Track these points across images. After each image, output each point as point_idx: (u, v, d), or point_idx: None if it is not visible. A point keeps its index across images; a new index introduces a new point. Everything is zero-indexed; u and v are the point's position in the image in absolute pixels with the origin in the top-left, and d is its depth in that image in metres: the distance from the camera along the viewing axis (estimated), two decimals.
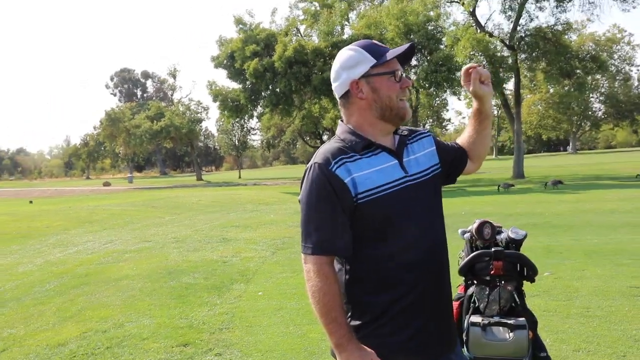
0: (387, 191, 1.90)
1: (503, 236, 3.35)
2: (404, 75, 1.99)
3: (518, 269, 3.24)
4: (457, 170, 2.25)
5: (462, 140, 2.31)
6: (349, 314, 1.95)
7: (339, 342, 1.85)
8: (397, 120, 2.00)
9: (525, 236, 3.35)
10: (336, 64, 2.03)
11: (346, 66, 1.98)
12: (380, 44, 2.02)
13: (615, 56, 65.74)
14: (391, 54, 1.96)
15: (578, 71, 32.90)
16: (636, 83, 75.43)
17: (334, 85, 2.06)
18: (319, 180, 1.90)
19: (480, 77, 2.14)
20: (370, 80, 1.95)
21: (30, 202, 30.55)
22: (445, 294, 2.07)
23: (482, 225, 3.35)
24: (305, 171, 1.97)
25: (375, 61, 1.94)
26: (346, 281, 1.96)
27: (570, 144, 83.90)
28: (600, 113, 74.70)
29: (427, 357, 1.96)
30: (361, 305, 1.94)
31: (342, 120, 2.08)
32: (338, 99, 2.08)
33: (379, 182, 1.90)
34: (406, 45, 1.99)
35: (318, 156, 1.95)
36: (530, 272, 3.22)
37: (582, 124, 77.72)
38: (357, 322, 1.94)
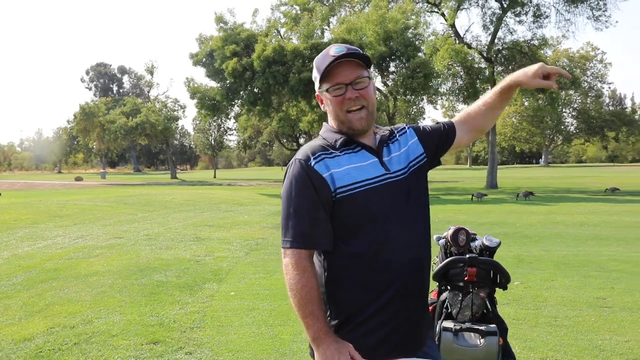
0: (366, 187, 1.89)
1: (477, 243, 3.39)
2: (350, 87, 1.93)
3: (491, 276, 3.29)
4: (443, 149, 2.20)
5: (470, 109, 2.26)
6: (327, 313, 1.94)
7: (316, 335, 1.84)
8: (350, 131, 1.97)
9: (499, 244, 3.39)
10: (314, 67, 2.05)
11: (313, 78, 2.04)
12: (334, 50, 1.96)
13: (589, 73, 67.17)
14: (322, 70, 1.94)
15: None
16: (607, 100, 77.20)
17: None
18: (299, 175, 1.91)
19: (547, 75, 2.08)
20: (323, 95, 2.00)
21: None
22: (424, 291, 2.05)
23: (457, 231, 3.38)
24: (287, 167, 1.99)
25: (319, 77, 1.97)
26: (325, 279, 1.95)
27: (543, 156, 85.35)
28: (572, 128, 76.16)
29: (402, 355, 1.92)
30: (338, 303, 1.92)
31: (326, 121, 2.11)
32: None
33: (359, 178, 1.90)
34: (330, 61, 1.92)
35: (300, 153, 1.98)
36: (503, 279, 3.26)
37: (555, 137, 79.11)
38: (334, 322, 1.93)
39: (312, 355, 1.94)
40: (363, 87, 1.95)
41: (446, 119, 2.26)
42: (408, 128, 2.16)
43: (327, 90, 1.96)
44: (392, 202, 1.93)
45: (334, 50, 1.96)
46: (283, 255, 1.92)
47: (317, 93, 2.05)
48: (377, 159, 1.97)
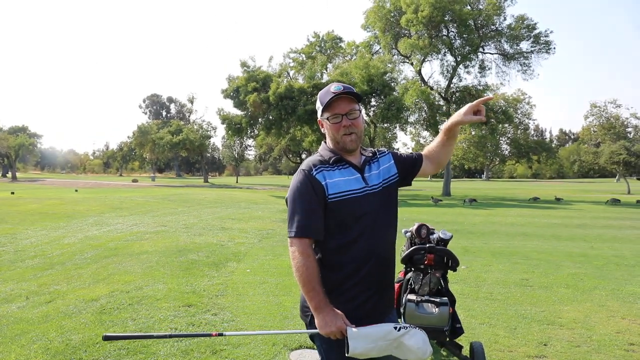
0: (350, 196, 1.91)
1: (435, 236, 3.41)
2: (345, 117, 1.95)
3: (445, 260, 3.30)
4: (412, 174, 2.19)
5: (430, 147, 2.25)
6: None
7: (317, 306, 1.84)
8: (344, 151, 2.00)
9: (451, 237, 3.40)
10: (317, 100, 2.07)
11: (318, 106, 2.02)
12: (334, 88, 1.98)
13: (519, 111, 67.33)
14: (324, 103, 1.97)
15: (492, 120, 33.69)
16: (532, 132, 77.46)
17: None
18: (303, 181, 1.93)
19: (477, 110, 2.09)
20: (324, 121, 2.01)
21: (76, 190, 29.81)
22: (389, 275, 2.05)
23: (420, 227, 3.40)
24: (295, 175, 2.01)
25: (322, 108, 1.99)
26: (317, 262, 1.94)
27: (484, 173, 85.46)
28: (506, 152, 76.29)
29: (369, 322, 1.89)
30: (326, 279, 1.91)
31: (324, 141, 2.11)
32: None
33: (345, 189, 1.92)
34: (331, 97, 1.95)
35: (304, 165, 2.00)
36: (454, 263, 3.27)
37: (493, 159, 79.27)
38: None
39: (304, 318, 1.99)
40: (355, 117, 1.97)
41: (413, 152, 2.26)
42: (388, 153, 2.17)
43: (327, 119, 1.99)
44: (370, 208, 1.94)
45: (334, 87, 1.99)
46: (290, 244, 1.92)
47: (319, 119, 2.05)
48: (359, 175, 1.99)
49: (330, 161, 1.97)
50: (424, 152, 2.25)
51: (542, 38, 30.59)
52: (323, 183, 1.91)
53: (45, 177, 70.09)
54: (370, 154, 2.10)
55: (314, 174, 1.93)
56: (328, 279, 1.91)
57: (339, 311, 1.86)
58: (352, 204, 1.91)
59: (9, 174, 62.97)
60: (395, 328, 1.82)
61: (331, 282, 1.92)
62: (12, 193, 25.55)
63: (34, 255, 7.92)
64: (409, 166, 2.17)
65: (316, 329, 1.86)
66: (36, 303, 5.10)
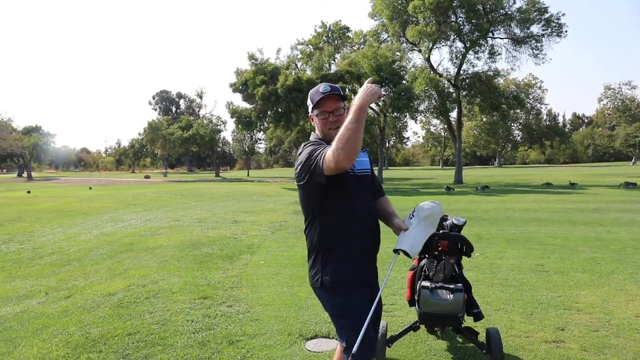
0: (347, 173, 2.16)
1: (448, 222, 3.37)
2: (331, 114, 2.23)
3: (459, 247, 3.27)
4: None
5: (382, 207, 2.45)
6: (320, 246, 2.23)
7: (356, 103, 1.98)
8: (330, 143, 2.14)
9: (465, 223, 3.37)
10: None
11: (307, 105, 2.33)
12: (323, 88, 2.23)
13: (530, 96, 66.43)
14: (314, 102, 2.23)
15: (503, 106, 33.26)
16: (545, 117, 76.46)
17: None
18: (315, 142, 2.24)
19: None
20: (314, 117, 2.30)
21: (90, 188, 30.17)
22: (377, 242, 2.34)
23: None
24: (302, 147, 2.25)
25: (312, 105, 2.26)
26: (319, 232, 2.24)
27: (496, 159, 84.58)
28: (518, 138, 75.49)
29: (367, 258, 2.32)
30: (326, 243, 2.22)
31: (313, 132, 2.40)
32: None
33: None
34: (320, 96, 2.22)
35: (308, 141, 2.30)
36: (468, 249, 3.25)
37: (505, 145, 78.49)
38: (325, 253, 2.23)
39: (315, 284, 2.26)
40: (340, 114, 2.23)
41: (378, 182, 2.52)
42: (365, 149, 2.37)
43: (317, 115, 2.27)
44: (355, 187, 2.23)
45: (322, 88, 2.25)
46: (327, 159, 2.00)
47: (310, 115, 2.33)
48: None
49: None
50: (380, 200, 2.47)
51: (553, 21, 29.98)
52: None
53: (60, 175, 71.06)
54: None
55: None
56: (329, 243, 2.21)
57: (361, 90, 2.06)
58: (352, 178, 2.20)
59: (25, 174, 63.97)
60: (410, 217, 2.30)
61: (332, 245, 2.21)
62: (28, 192, 25.95)
63: (52, 252, 8.05)
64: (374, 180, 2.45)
65: (333, 293, 2.20)
66: (55, 298, 5.19)
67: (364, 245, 2.27)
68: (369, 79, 2.13)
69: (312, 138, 2.33)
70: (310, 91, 2.30)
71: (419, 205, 2.32)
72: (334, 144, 1.97)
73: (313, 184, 2.12)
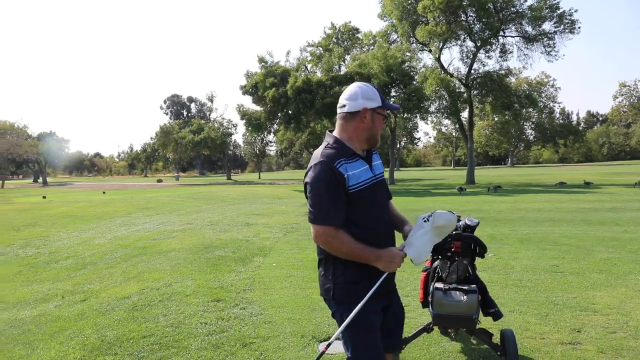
0: (365, 185, 2.10)
1: (461, 223, 3.35)
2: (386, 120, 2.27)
3: (472, 247, 3.25)
4: None
5: (392, 213, 2.41)
6: (333, 255, 2.12)
7: (374, 256, 2.05)
8: (374, 145, 2.22)
9: (478, 223, 3.35)
10: (356, 91, 2.12)
11: (365, 96, 2.11)
12: (379, 96, 2.17)
13: (543, 95, 65.83)
14: (390, 106, 2.20)
15: (515, 105, 32.90)
16: (558, 115, 75.55)
17: (347, 103, 2.12)
18: (327, 172, 2.03)
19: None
20: (374, 114, 2.14)
21: (103, 192, 30.54)
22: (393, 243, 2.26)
23: None
24: (315, 165, 2.07)
25: (381, 104, 2.14)
26: None
27: (509, 159, 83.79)
28: (531, 137, 74.69)
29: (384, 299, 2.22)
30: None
31: (330, 131, 2.20)
32: (342, 113, 2.15)
33: (362, 179, 2.10)
34: (397, 105, 2.29)
35: (323, 156, 2.07)
36: (481, 250, 3.23)
37: (518, 144, 77.69)
38: (343, 261, 2.12)
39: (328, 297, 2.20)
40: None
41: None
42: (376, 152, 2.32)
43: (381, 115, 2.17)
44: (375, 194, 2.18)
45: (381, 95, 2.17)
46: (321, 232, 2.04)
47: (368, 108, 2.11)
48: (368, 166, 2.17)
49: (348, 154, 2.09)
50: (390, 201, 2.44)
51: (566, 17, 29.63)
52: (345, 175, 2.04)
53: (74, 180, 72.02)
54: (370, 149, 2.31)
55: (337, 166, 2.04)
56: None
57: (387, 249, 2.10)
58: (366, 191, 2.11)
59: (40, 179, 64.95)
60: (425, 220, 2.18)
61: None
62: (44, 197, 26.36)
63: (67, 256, 8.16)
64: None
65: (342, 303, 2.12)
66: (71, 302, 5.26)
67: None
68: (404, 252, 2.13)
69: (329, 140, 2.14)
70: (372, 87, 2.14)
71: (438, 212, 2.22)
72: (329, 237, 2.03)
73: None
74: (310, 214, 2.07)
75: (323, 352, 2.09)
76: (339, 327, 2.14)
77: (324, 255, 2.19)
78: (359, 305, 2.02)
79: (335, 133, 2.16)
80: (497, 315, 3.26)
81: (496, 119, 50.98)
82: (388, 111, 2.24)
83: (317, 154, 2.10)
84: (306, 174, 2.12)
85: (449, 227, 2.23)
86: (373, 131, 2.14)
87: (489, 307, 3.25)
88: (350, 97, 2.12)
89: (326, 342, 2.16)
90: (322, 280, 2.22)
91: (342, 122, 2.15)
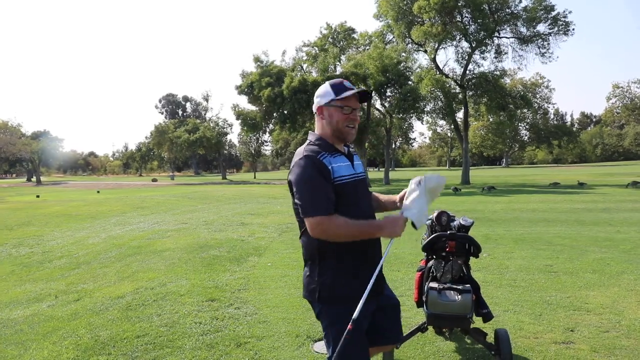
0: (346, 180, 2.10)
1: (456, 223, 3.37)
2: (355, 111, 2.15)
3: (467, 247, 3.26)
4: None
5: (375, 198, 2.43)
6: (318, 255, 2.11)
7: (376, 227, 2.04)
8: (341, 140, 2.17)
9: (473, 223, 3.36)
10: (316, 92, 2.20)
11: (318, 95, 2.16)
12: (349, 85, 2.14)
13: (538, 96, 66.13)
14: (345, 94, 2.10)
15: (510, 106, 33.07)
16: (552, 116, 75.98)
17: (315, 101, 2.20)
18: (314, 165, 2.03)
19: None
20: (329, 109, 2.13)
21: (98, 192, 30.38)
22: (378, 248, 2.23)
23: (440, 214, 3.37)
24: (298, 161, 2.07)
25: (334, 97, 2.11)
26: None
27: (504, 159, 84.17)
28: (526, 138, 75.07)
29: (372, 269, 2.09)
30: (332, 252, 2.09)
31: (312, 131, 2.24)
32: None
33: (343, 173, 2.11)
34: (355, 90, 2.13)
35: (306, 151, 2.09)
36: (475, 250, 3.24)
37: (513, 145, 78.03)
38: (328, 262, 2.10)
39: (313, 299, 2.15)
40: (358, 115, 2.19)
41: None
42: (356, 153, 2.33)
43: (336, 106, 2.11)
44: (358, 191, 2.16)
45: (349, 84, 2.15)
46: (317, 222, 1.98)
47: (321, 105, 2.14)
48: (349, 163, 2.18)
49: (329, 150, 2.12)
50: (374, 194, 2.46)
51: (560, 19, 29.80)
52: (329, 167, 2.06)
53: (68, 179, 71.64)
54: (352, 147, 2.33)
55: (321, 158, 2.06)
56: (330, 247, 2.06)
57: (386, 217, 2.08)
58: (348, 186, 2.10)
59: (34, 178, 64.56)
60: (417, 184, 2.14)
61: (331, 249, 2.07)
62: (37, 196, 26.19)
63: (61, 255, 8.11)
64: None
65: (329, 304, 2.10)
66: (65, 301, 5.23)
67: (366, 252, 2.13)
68: (403, 215, 2.09)
69: (311, 138, 2.18)
70: (329, 82, 2.16)
71: (427, 175, 2.18)
72: (327, 226, 1.97)
73: None
74: (300, 209, 2.04)
75: None
76: (325, 328, 2.15)
77: (309, 256, 2.17)
78: (359, 307, 1.93)
79: (315, 132, 2.22)
80: (488, 317, 3.27)
81: (491, 119, 51.23)
82: (360, 101, 2.18)
83: (300, 150, 2.12)
84: (290, 171, 2.12)
85: (440, 187, 2.21)
86: (335, 125, 2.12)
87: (482, 308, 3.26)
88: (314, 100, 2.21)
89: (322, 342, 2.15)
90: (306, 281, 2.18)
91: (316, 122, 2.24)
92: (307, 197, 2.01)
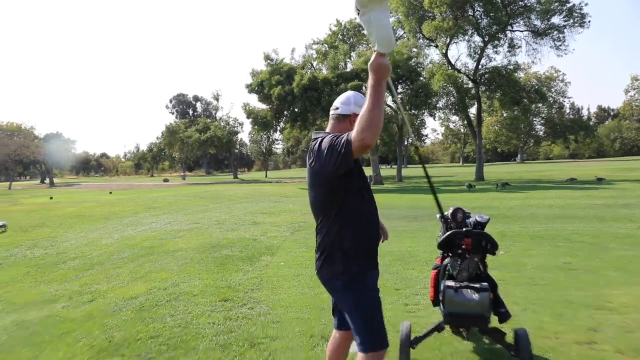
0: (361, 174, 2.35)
1: (471, 219, 3.31)
2: None
3: (483, 244, 3.20)
4: None
5: None
6: (338, 243, 2.29)
7: (376, 82, 2.03)
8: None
9: (489, 220, 3.30)
10: (349, 97, 2.43)
11: (357, 103, 2.39)
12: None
13: (553, 90, 65.20)
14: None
15: (524, 100, 32.61)
16: (568, 110, 74.85)
17: (340, 106, 2.41)
18: (327, 132, 2.34)
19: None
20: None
21: (110, 192, 30.72)
22: (379, 237, 2.47)
23: (456, 210, 3.32)
24: (324, 135, 2.26)
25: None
26: (338, 224, 2.30)
27: (518, 155, 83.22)
28: (541, 132, 74.08)
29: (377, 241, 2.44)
30: (342, 239, 2.30)
31: (322, 130, 2.46)
32: (335, 114, 2.42)
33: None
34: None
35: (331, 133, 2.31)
36: (492, 247, 3.17)
37: (527, 140, 77.12)
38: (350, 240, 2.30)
39: (336, 282, 2.34)
40: None
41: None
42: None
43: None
44: (366, 179, 2.41)
45: None
46: (353, 143, 2.04)
47: (355, 113, 2.31)
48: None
49: None
50: None
51: (575, 11, 29.29)
52: None
53: (81, 181, 72.65)
54: None
55: None
56: (348, 235, 2.28)
57: (372, 63, 2.06)
58: (358, 173, 2.30)
59: (47, 180, 65.51)
60: (357, 12, 2.01)
61: (350, 236, 2.29)
62: (51, 198, 26.57)
63: (74, 256, 8.20)
64: None
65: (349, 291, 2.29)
66: (79, 302, 5.28)
67: (375, 238, 2.39)
68: (375, 52, 2.05)
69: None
70: (359, 95, 2.42)
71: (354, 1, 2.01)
72: (357, 126, 2.00)
73: (339, 174, 2.17)
74: (341, 148, 2.09)
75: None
76: (350, 310, 2.31)
77: (328, 243, 2.32)
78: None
79: (327, 130, 2.39)
80: (505, 316, 3.21)
81: (505, 114, 50.67)
82: None
83: (319, 134, 2.32)
84: (313, 152, 2.27)
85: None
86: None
87: (499, 306, 3.20)
88: (344, 101, 2.41)
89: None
90: (322, 262, 2.35)
91: (333, 123, 2.42)
92: (337, 139, 2.13)
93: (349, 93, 2.47)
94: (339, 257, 2.29)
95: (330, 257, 2.32)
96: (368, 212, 2.36)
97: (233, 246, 8.35)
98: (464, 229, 3.17)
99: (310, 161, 2.34)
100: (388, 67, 2.04)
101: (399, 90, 32.31)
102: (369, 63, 2.05)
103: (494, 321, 3.25)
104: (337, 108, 2.42)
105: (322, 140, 2.25)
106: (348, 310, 2.33)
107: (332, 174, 2.19)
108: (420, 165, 3.38)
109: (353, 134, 2.04)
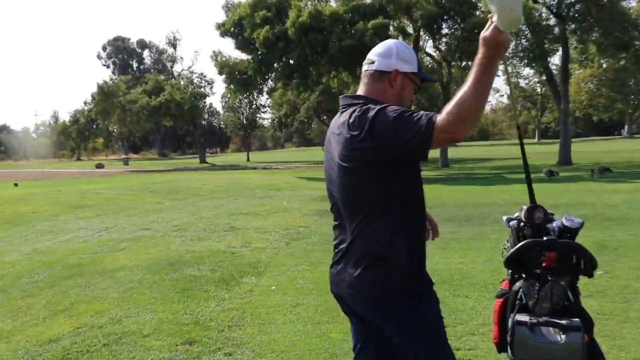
0: None
1: (556, 224, 3.29)
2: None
3: (574, 261, 3.18)
4: None
5: None
6: (386, 248, 2.45)
7: (494, 52, 2.14)
8: None
9: (582, 225, 3.28)
10: (390, 47, 2.58)
11: (400, 57, 2.54)
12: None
13: None
14: (422, 74, 2.65)
15: (637, 43, 32.33)
16: None
17: (377, 60, 2.56)
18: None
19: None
20: (405, 79, 2.57)
21: (15, 184, 30.82)
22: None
23: (533, 208, 3.30)
24: (376, 106, 2.33)
25: (416, 70, 2.58)
26: (386, 223, 2.44)
27: (626, 127, 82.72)
28: None
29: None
30: (392, 242, 2.45)
31: (350, 94, 2.65)
32: (370, 71, 2.58)
33: None
34: (433, 77, 2.88)
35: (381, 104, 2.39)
36: (588, 265, 3.15)
37: None
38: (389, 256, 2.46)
39: (403, 298, 2.48)
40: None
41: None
42: None
43: (413, 82, 2.60)
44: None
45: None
46: (437, 129, 2.14)
47: (400, 70, 2.52)
48: None
49: None
50: None
51: None
52: None
53: None
54: None
55: None
56: (400, 237, 2.46)
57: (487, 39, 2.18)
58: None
59: None
60: None
61: (401, 239, 2.47)
62: None
63: None
64: None
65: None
66: None
67: (424, 238, 2.66)
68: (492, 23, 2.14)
69: (361, 101, 2.51)
70: (402, 44, 2.63)
71: None
72: (450, 115, 2.12)
73: (409, 158, 2.39)
74: (418, 133, 2.17)
75: None
76: (402, 334, 2.53)
77: (373, 249, 2.47)
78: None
79: (361, 93, 2.57)
80: None
81: (605, 65, 50.27)
82: (423, 83, 2.72)
83: (359, 100, 2.48)
84: (356, 125, 2.34)
85: None
86: (401, 98, 2.54)
87: (595, 356, 3.19)
88: (382, 53, 2.56)
89: None
90: (360, 273, 2.49)
91: (367, 82, 2.58)
92: (417, 115, 2.21)
93: (389, 42, 2.62)
94: (394, 271, 2.45)
95: (377, 269, 2.47)
96: (423, 211, 2.59)
97: (201, 263, 8.38)
98: (545, 238, 3.16)
99: (352, 136, 2.36)
100: (508, 42, 2.16)
101: (444, 31, 32.18)
102: (482, 35, 2.15)
103: None
104: (373, 62, 2.56)
105: (375, 110, 2.31)
106: (411, 340, 2.54)
107: (405, 156, 2.33)
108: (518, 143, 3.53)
109: (440, 118, 2.13)
